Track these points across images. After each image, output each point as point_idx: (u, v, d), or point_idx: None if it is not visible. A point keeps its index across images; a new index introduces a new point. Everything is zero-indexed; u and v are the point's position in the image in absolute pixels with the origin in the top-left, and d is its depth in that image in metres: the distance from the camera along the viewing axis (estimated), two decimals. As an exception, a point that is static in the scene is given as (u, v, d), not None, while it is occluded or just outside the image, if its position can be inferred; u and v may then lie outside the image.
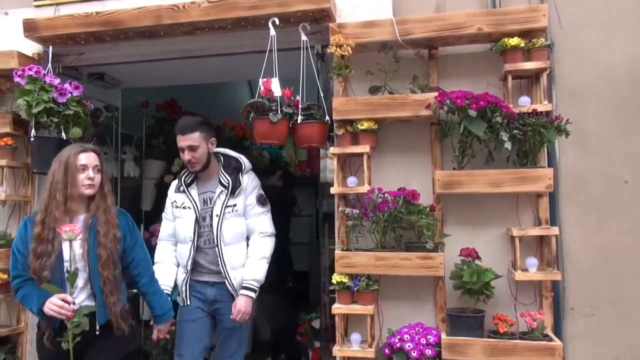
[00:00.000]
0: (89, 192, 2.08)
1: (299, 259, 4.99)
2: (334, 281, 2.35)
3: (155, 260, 2.55)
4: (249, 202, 2.52)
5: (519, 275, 2.18)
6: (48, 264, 1.97)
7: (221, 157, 2.58)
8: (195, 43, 2.77)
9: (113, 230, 2.10)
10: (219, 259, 2.46)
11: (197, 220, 2.50)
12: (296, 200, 4.81)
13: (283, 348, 4.23)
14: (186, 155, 2.44)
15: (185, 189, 2.55)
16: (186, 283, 2.52)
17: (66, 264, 2.00)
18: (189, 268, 2.51)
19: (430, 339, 2.19)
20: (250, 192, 2.53)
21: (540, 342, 2.10)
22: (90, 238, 2.06)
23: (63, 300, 1.92)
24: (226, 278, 2.47)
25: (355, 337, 2.34)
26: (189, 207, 2.53)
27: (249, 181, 2.55)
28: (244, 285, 2.43)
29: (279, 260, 4.48)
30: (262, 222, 2.54)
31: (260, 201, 2.55)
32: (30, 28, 2.78)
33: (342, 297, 2.35)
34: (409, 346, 2.16)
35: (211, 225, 2.49)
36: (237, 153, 2.64)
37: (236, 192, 2.48)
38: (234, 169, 2.53)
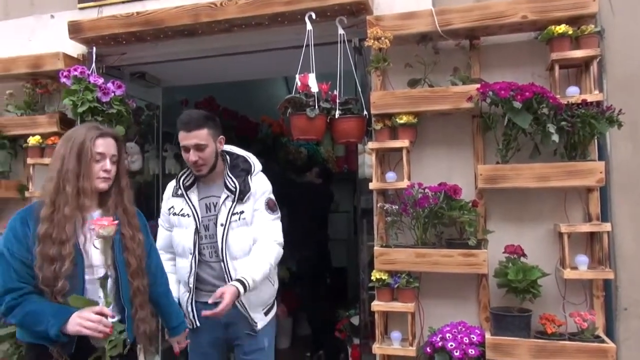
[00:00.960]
0: (102, 186, 1.71)
1: (336, 255, 5.00)
2: (373, 278, 2.31)
3: None
4: (257, 206, 2.16)
5: (568, 274, 2.09)
6: (63, 270, 1.55)
7: (227, 157, 2.23)
8: (232, 40, 2.79)
9: (137, 233, 1.79)
10: (225, 276, 2.09)
11: (197, 230, 2.13)
12: (333, 196, 4.80)
13: (322, 344, 4.24)
14: (192, 156, 2.08)
15: (184, 193, 2.18)
16: (191, 303, 2.15)
17: (92, 269, 1.65)
18: (191, 285, 2.14)
19: (473, 338, 2.13)
20: (260, 197, 2.17)
21: (591, 344, 2.00)
22: (115, 242, 1.68)
23: (100, 314, 1.53)
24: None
25: (395, 335, 2.31)
26: (188, 215, 2.15)
27: (259, 184, 2.19)
28: (237, 277, 2.01)
29: (318, 257, 4.53)
30: (271, 229, 2.16)
31: (270, 206, 2.18)
32: (75, 30, 2.87)
33: (382, 294, 2.32)
34: (451, 345, 2.10)
35: (215, 236, 2.12)
36: (245, 151, 2.30)
37: (244, 198, 2.12)
38: (242, 171, 2.18)
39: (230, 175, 2.16)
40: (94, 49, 2.88)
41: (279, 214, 2.23)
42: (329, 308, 3.90)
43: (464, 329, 2.18)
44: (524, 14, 2.19)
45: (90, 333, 1.51)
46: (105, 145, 1.70)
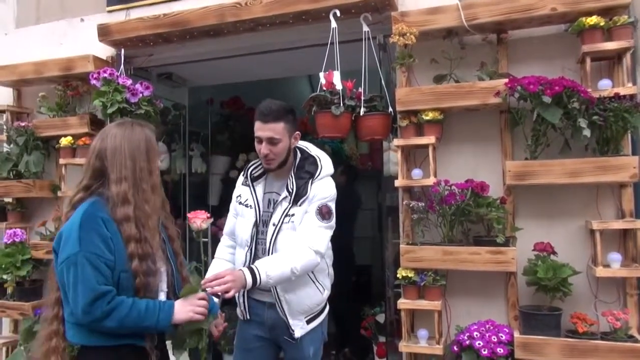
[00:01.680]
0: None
1: (361, 253, 4.98)
2: (399, 276, 2.30)
3: (215, 256, 2.24)
4: (309, 209, 2.01)
5: (600, 272, 2.04)
6: (154, 268, 1.59)
7: (298, 154, 2.10)
8: (257, 39, 2.81)
9: (174, 226, 1.82)
10: None
11: (256, 223, 2.06)
12: (361, 199, 4.76)
13: (347, 341, 4.24)
14: (263, 149, 1.98)
15: (250, 184, 2.11)
16: (243, 294, 2.06)
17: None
18: None
19: (502, 337, 2.10)
20: (315, 202, 2.01)
21: (624, 344, 1.95)
22: (163, 235, 1.72)
23: (201, 299, 1.63)
24: (277, 301, 2.00)
25: (422, 333, 2.29)
26: (250, 206, 2.08)
27: (320, 190, 2.03)
28: (252, 265, 1.89)
29: (342, 256, 4.53)
30: (313, 235, 1.97)
31: (322, 212, 2.01)
32: (104, 33, 2.93)
33: (408, 292, 2.31)
34: (479, 344, 2.08)
35: (266, 234, 2.04)
36: (319, 151, 2.16)
37: (300, 202, 2.00)
38: (306, 173, 2.05)
39: (294, 176, 2.05)
40: (123, 51, 2.95)
41: (331, 223, 2.04)
42: (354, 305, 3.89)
43: (491, 328, 2.15)
44: (554, 6, 2.14)
45: (199, 317, 1.61)
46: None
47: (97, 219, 1.55)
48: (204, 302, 1.62)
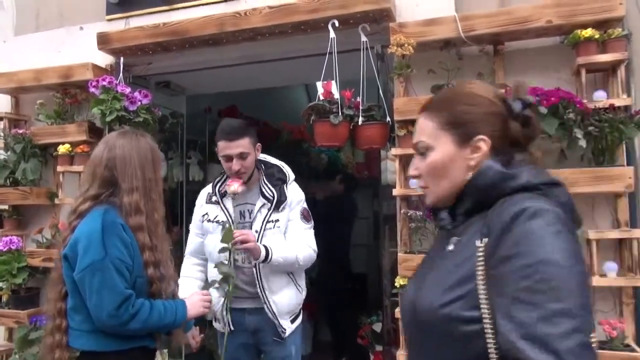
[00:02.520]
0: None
1: (357, 261, 4.98)
2: (396, 284, 2.31)
3: (181, 275, 2.27)
4: (292, 216, 2.20)
5: (597, 281, 2.05)
6: (165, 274, 1.69)
7: (262, 165, 2.27)
8: (256, 49, 2.83)
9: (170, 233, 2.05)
10: (256, 281, 2.11)
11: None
12: (357, 207, 4.77)
13: (344, 350, 4.23)
14: (235, 165, 2.10)
15: (220, 200, 2.20)
16: (225, 308, 2.10)
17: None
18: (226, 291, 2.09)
19: (499, 345, 2.10)
20: (295, 206, 2.22)
21: (621, 353, 1.96)
22: None
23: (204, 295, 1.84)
24: (265, 303, 2.12)
25: (419, 341, 2.29)
26: (223, 221, 2.17)
27: (294, 194, 2.24)
28: (265, 244, 2.06)
29: (338, 264, 4.53)
30: (306, 236, 2.20)
31: (304, 216, 2.23)
32: (104, 41, 2.95)
33: (406, 301, 2.31)
34: (476, 353, 2.08)
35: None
36: (277, 160, 2.35)
37: (281, 207, 2.17)
38: (278, 180, 2.22)
39: (267, 184, 2.20)
40: (122, 59, 2.95)
41: (312, 224, 2.27)
42: (350, 314, 3.89)
43: (489, 337, 2.16)
44: (549, 19, 2.17)
45: (207, 310, 1.81)
46: None
47: (118, 224, 1.60)
48: (209, 297, 1.80)
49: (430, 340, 0.97)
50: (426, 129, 1.08)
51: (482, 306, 0.88)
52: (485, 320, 0.87)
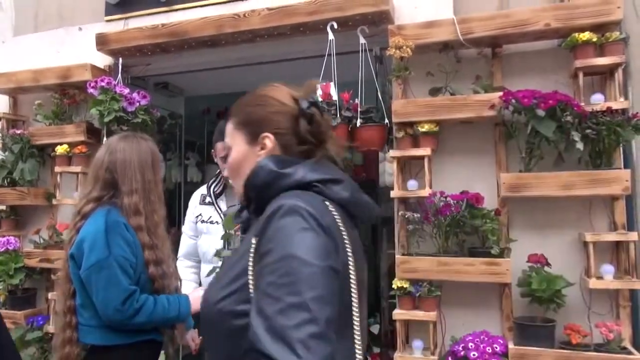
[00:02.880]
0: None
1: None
2: (394, 286, 2.31)
3: None
4: None
5: (594, 283, 2.05)
6: (168, 271, 1.77)
7: None
8: (255, 50, 2.83)
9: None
10: None
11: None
12: None
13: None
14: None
15: (214, 201, 2.22)
16: None
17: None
18: None
19: (496, 348, 2.10)
20: None
21: (618, 355, 1.96)
22: None
23: None
24: None
25: (417, 344, 2.30)
26: (217, 222, 2.19)
27: None
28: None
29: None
30: None
31: None
32: (102, 42, 2.95)
33: (403, 303, 2.31)
34: (473, 355, 2.08)
35: None
36: None
37: None
38: None
39: None
40: (120, 60, 2.96)
41: None
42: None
43: (486, 338, 2.16)
44: (547, 22, 2.18)
45: None
46: None
47: (121, 224, 1.70)
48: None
49: (213, 335, 1.01)
50: (228, 130, 1.17)
51: (251, 300, 0.92)
52: None
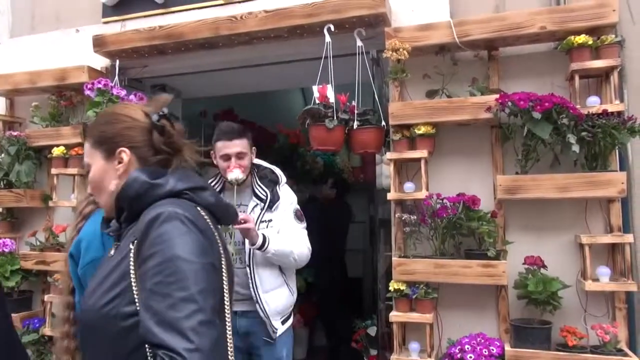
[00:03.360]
0: None
1: (352, 266, 4.98)
2: (391, 288, 2.31)
3: None
4: (286, 217, 2.26)
5: (590, 285, 2.06)
6: None
7: (255, 168, 2.33)
8: (252, 52, 2.84)
9: None
10: (249, 281, 2.15)
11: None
12: (352, 212, 4.76)
13: (338, 354, 4.22)
14: (234, 164, 2.19)
15: None
16: None
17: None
18: None
19: (492, 350, 2.11)
20: (288, 207, 2.28)
21: (613, 357, 1.97)
22: None
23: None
24: (258, 303, 2.14)
25: (414, 346, 2.30)
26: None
27: (287, 195, 2.30)
28: (263, 233, 2.13)
29: (334, 270, 4.53)
30: (301, 236, 2.27)
31: (298, 216, 2.30)
32: (99, 44, 2.94)
33: (400, 305, 2.31)
34: (470, 357, 2.09)
35: (243, 243, 2.18)
36: (270, 164, 2.41)
37: (274, 207, 2.24)
38: (270, 182, 2.29)
39: (260, 185, 2.27)
40: (117, 62, 2.95)
41: (305, 224, 2.33)
42: (345, 318, 3.89)
43: (483, 341, 2.16)
44: (543, 25, 2.19)
45: None
46: None
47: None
48: None
49: (97, 338, 1.08)
50: (86, 150, 1.26)
51: (136, 301, 1.02)
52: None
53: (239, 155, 2.19)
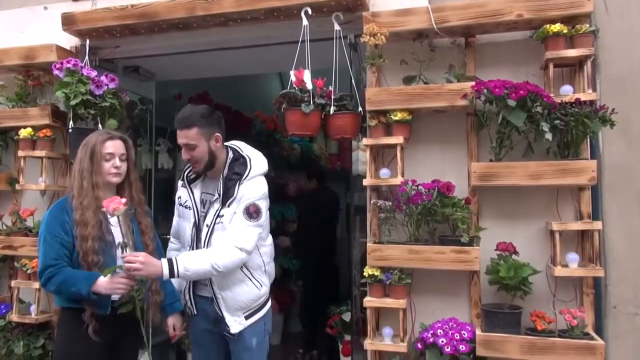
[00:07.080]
0: (115, 180, 2.03)
1: (329, 253, 4.97)
2: (365, 274, 2.32)
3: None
4: (237, 210, 2.05)
5: (559, 271, 2.10)
6: (93, 247, 1.91)
7: (230, 154, 2.16)
8: (228, 35, 2.77)
9: (149, 219, 2.15)
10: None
11: (196, 224, 2.14)
12: (338, 201, 4.73)
13: (313, 340, 4.24)
14: (184, 154, 2.09)
15: (187, 186, 2.19)
16: (189, 292, 2.16)
17: (119, 241, 1.92)
18: None
19: (464, 334, 2.14)
20: (243, 202, 2.06)
21: (580, 341, 2.02)
22: (134, 228, 2.03)
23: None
24: (214, 298, 2.10)
25: (387, 331, 2.32)
26: (189, 207, 2.16)
27: (248, 190, 2.07)
28: (173, 257, 1.97)
29: (310, 255, 4.53)
30: (239, 234, 2.02)
31: (249, 212, 2.05)
32: (69, 22, 2.84)
33: (374, 291, 2.32)
34: (442, 341, 2.11)
35: (201, 234, 2.11)
36: (251, 150, 2.21)
37: (228, 203, 2.06)
38: (235, 174, 2.10)
39: (224, 177, 2.11)
40: (88, 41, 2.86)
41: (259, 222, 2.08)
42: (320, 304, 3.90)
43: (455, 325, 2.19)
44: (520, 13, 2.20)
45: (121, 292, 1.90)
46: (114, 146, 2.04)
47: (61, 207, 2.03)
48: (124, 281, 1.89)
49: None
50: None
51: None
52: None
53: (187, 146, 2.06)
